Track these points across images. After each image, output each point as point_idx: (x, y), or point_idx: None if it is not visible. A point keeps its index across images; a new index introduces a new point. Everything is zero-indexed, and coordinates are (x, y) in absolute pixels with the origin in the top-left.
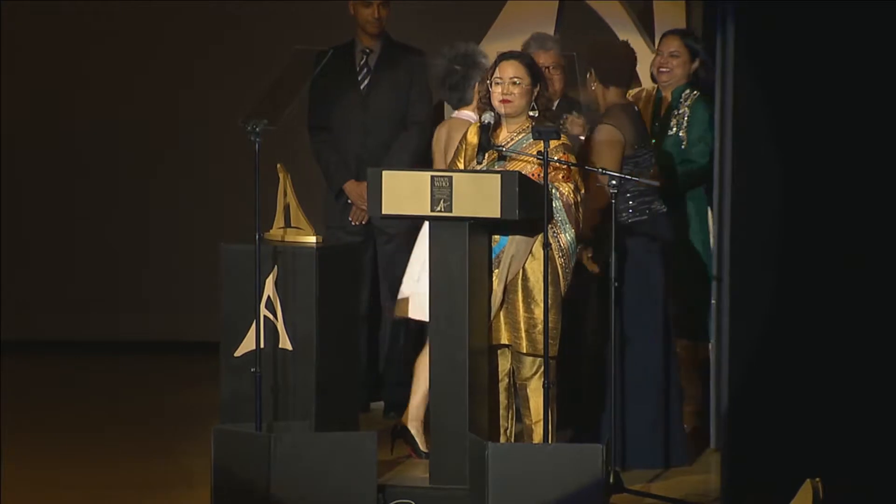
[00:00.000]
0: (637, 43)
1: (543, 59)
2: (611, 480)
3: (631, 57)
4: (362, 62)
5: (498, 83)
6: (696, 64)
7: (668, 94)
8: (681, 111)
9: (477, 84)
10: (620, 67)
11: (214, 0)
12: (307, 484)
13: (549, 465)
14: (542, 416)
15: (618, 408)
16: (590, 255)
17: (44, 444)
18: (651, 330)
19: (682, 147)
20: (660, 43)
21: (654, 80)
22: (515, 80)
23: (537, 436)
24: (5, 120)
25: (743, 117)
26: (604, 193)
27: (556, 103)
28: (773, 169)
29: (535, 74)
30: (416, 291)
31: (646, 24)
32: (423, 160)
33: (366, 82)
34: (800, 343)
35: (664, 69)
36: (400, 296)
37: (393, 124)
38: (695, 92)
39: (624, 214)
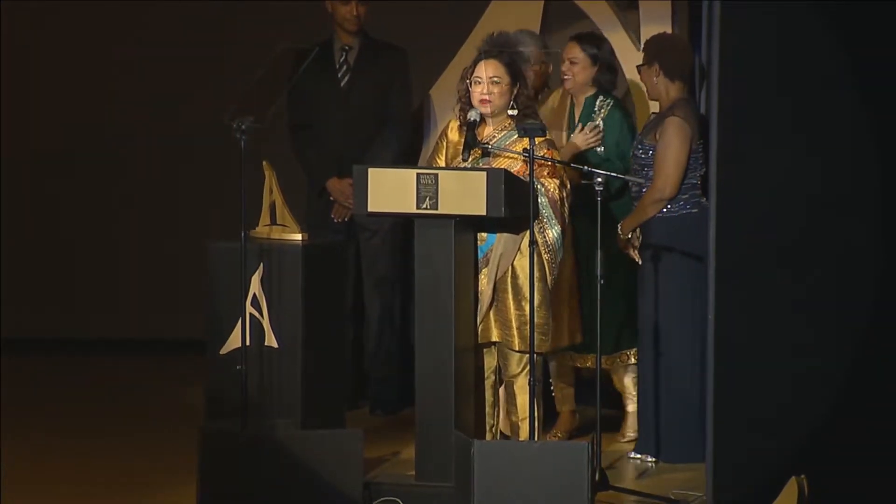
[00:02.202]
0: (623, 42)
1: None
2: (596, 478)
3: (690, 51)
4: (342, 59)
5: (478, 82)
6: (595, 69)
7: (579, 101)
8: (596, 122)
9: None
10: (683, 62)
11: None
12: (293, 481)
13: (535, 462)
14: (528, 414)
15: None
16: (637, 243)
17: (32, 442)
18: (692, 320)
19: (601, 154)
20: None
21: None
22: (495, 79)
23: (523, 433)
24: (5, 121)
25: (728, 116)
26: (650, 193)
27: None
28: (759, 168)
29: (516, 73)
30: None
31: (631, 23)
32: (404, 157)
33: (346, 79)
34: (785, 341)
35: (566, 76)
36: None
37: (374, 121)
38: (608, 100)
39: (675, 207)
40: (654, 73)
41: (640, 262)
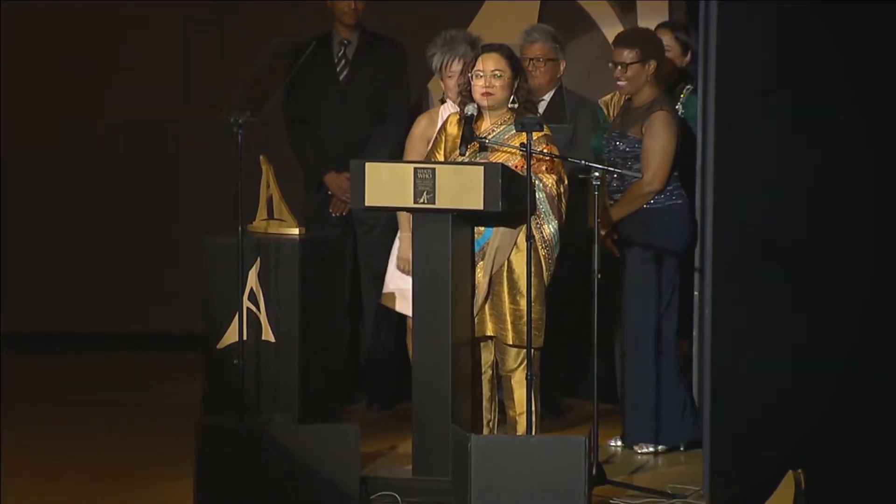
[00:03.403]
0: None
1: (530, 51)
2: (593, 472)
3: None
4: (340, 53)
5: (479, 76)
6: (686, 58)
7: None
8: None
9: (458, 76)
10: (665, 60)
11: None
12: (290, 476)
13: (532, 456)
14: (525, 408)
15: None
16: (615, 236)
17: (31, 436)
18: (679, 309)
19: None
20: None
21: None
22: (497, 72)
23: (521, 427)
24: (4, 117)
25: (725, 113)
26: (639, 185)
27: (549, 94)
28: (755, 164)
29: (516, 67)
30: (403, 287)
31: (630, 21)
32: (401, 152)
33: (344, 73)
34: (782, 336)
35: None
36: (386, 288)
37: (371, 116)
38: (688, 86)
39: (661, 198)
40: (651, 71)
41: (617, 256)
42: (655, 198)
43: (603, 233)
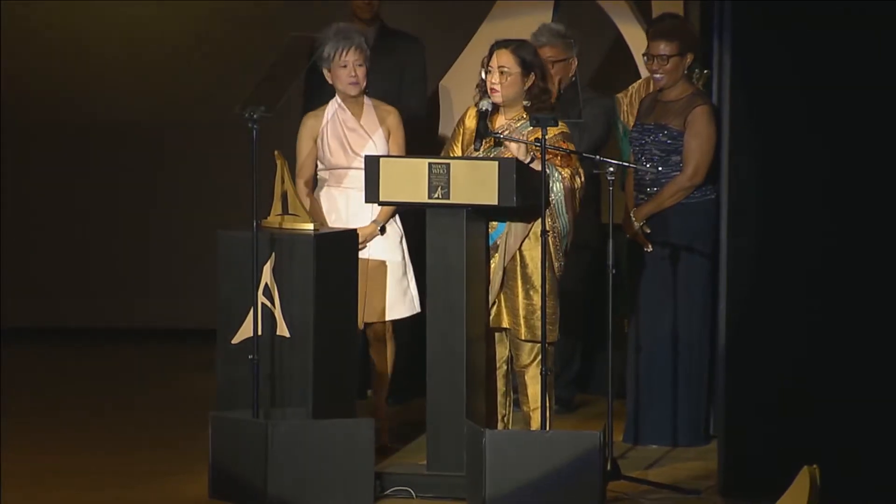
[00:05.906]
0: (638, 36)
1: (549, 53)
2: (608, 467)
3: None
4: None
5: (490, 72)
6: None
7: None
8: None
9: (351, 66)
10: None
11: None
12: (304, 471)
13: (547, 452)
14: (539, 403)
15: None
16: (647, 230)
17: (42, 431)
18: (692, 304)
19: None
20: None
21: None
22: (504, 69)
23: (535, 422)
24: (6, 108)
25: (738, 113)
26: (681, 179)
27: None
28: (769, 159)
29: (528, 64)
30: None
31: (645, 18)
32: (415, 147)
33: None
34: (797, 330)
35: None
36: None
37: None
38: (706, 71)
39: (697, 193)
40: (687, 64)
41: (648, 250)
42: (691, 193)
43: (636, 226)
